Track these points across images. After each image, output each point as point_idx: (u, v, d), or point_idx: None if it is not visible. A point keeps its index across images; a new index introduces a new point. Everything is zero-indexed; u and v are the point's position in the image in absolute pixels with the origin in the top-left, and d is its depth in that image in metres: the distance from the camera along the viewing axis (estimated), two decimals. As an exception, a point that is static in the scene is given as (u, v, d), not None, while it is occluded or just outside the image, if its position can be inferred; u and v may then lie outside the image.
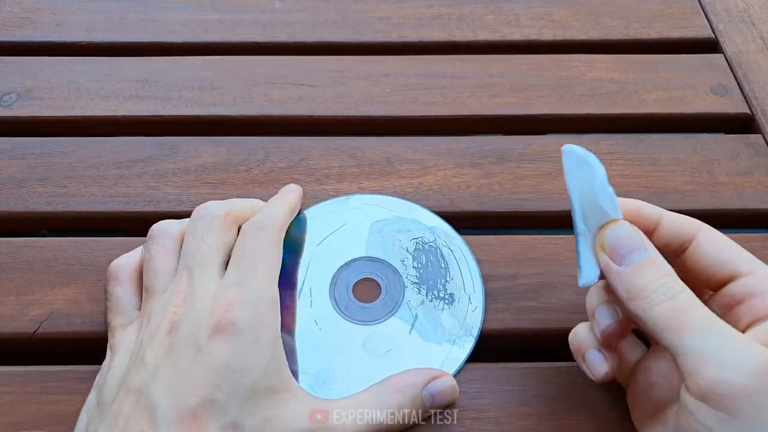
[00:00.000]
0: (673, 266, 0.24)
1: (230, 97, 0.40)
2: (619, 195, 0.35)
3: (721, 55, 0.43)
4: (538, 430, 0.27)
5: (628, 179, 0.36)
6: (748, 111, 0.39)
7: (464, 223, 0.35)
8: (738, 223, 0.35)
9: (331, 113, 0.39)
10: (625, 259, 0.23)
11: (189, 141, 0.37)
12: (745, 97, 0.40)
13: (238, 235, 0.29)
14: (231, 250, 0.28)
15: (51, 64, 0.42)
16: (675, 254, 0.25)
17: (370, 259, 0.32)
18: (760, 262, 0.25)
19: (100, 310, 0.30)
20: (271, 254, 0.28)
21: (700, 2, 0.46)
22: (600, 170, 0.24)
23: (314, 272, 0.31)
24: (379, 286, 0.31)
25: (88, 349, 0.29)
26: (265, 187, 0.35)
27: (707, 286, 0.26)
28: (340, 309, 0.30)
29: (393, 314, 0.30)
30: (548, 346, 0.30)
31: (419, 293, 0.31)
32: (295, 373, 0.27)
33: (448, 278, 0.31)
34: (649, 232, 0.25)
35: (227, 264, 0.28)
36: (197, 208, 0.29)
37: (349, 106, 0.40)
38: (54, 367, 0.29)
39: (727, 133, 0.39)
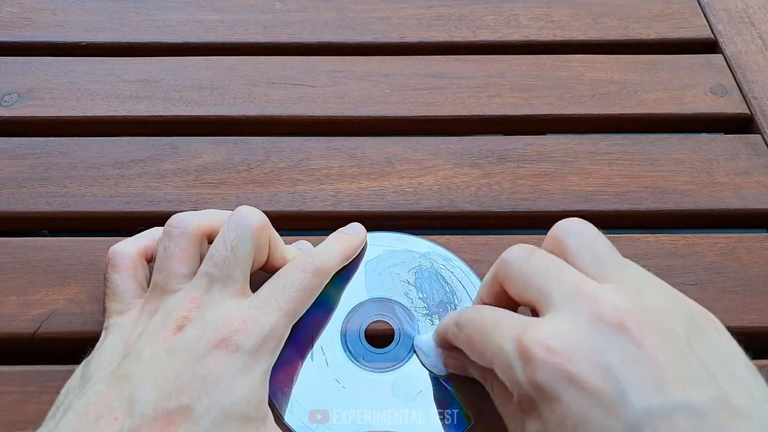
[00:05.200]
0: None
1: (230, 97, 0.40)
2: (617, 195, 0.35)
3: (721, 55, 0.43)
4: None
5: (628, 179, 0.36)
6: (747, 111, 0.40)
7: (464, 223, 0.35)
8: (737, 223, 0.36)
9: (331, 113, 0.39)
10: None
11: (189, 141, 0.38)
12: (744, 98, 0.40)
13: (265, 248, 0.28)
14: (253, 262, 0.28)
15: (52, 65, 0.42)
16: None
17: (374, 300, 0.31)
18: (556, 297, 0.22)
19: (101, 310, 0.30)
20: (306, 297, 0.28)
21: (699, 3, 0.46)
22: (421, 347, 0.29)
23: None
24: (392, 326, 0.30)
25: (88, 348, 0.29)
26: (265, 187, 0.36)
27: None
28: (358, 361, 0.29)
29: (413, 353, 0.29)
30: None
31: (433, 324, 0.30)
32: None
33: (456, 301, 0.31)
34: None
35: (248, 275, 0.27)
36: (236, 210, 0.28)
37: (349, 106, 0.40)
38: (55, 367, 0.29)
39: (726, 133, 0.39)
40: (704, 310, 0.22)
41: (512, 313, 0.24)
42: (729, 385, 0.19)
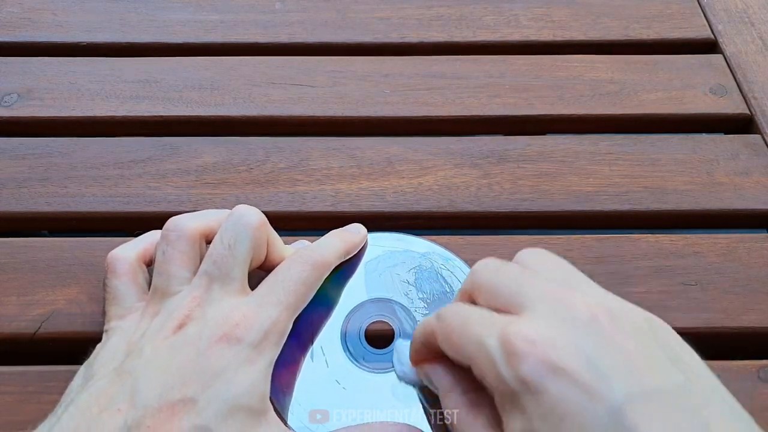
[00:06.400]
0: None
1: (231, 98, 0.40)
2: (618, 195, 0.35)
3: (720, 55, 0.43)
4: None
5: (628, 179, 0.36)
6: (747, 111, 0.40)
7: (464, 223, 0.35)
8: (737, 224, 0.36)
9: (331, 113, 0.39)
10: None
11: (189, 141, 0.38)
12: (744, 98, 0.40)
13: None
14: (252, 261, 0.28)
15: (52, 65, 0.42)
16: None
17: (374, 300, 0.31)
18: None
19: (101, 311, 0.30)
20: (305, 290, 0.28)
21: (699, 3, 0.46)
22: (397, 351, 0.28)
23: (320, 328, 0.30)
24: (392, 327, 0.30)
25: (89, 349, 0.29)
26: (265, 188, 0.36)
27: None
28: (358, 361, 0.29)
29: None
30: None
31: None
32: None
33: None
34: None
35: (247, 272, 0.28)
36: (234, 209, 0.28)
37: (349, 106, 0.40)
38: (54, 367, 0.29)
39: (726, 133, 0.39)
40: (652, 315, 0.23)
41: (492, 311, 0.24)
42: (689, 375, 0.21)
